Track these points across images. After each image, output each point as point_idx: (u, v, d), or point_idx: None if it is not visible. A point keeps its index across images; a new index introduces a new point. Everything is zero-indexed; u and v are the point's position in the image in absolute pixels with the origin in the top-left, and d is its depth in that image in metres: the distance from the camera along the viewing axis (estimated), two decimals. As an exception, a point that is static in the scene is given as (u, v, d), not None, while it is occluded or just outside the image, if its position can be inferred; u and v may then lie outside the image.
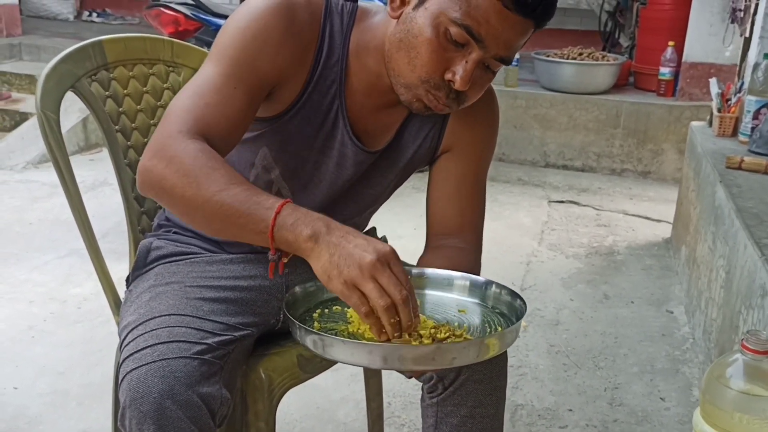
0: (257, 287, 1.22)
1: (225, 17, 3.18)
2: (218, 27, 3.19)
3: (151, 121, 1.44)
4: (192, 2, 3.23)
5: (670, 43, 4.16)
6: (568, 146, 4.32)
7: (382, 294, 0.86)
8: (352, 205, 1.25)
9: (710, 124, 2.96)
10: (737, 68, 4.09)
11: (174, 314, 1.09)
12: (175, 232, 1.27)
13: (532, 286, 2.77)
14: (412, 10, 1.01)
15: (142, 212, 1.42)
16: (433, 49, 0.98)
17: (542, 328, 2.42)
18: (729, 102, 2.83)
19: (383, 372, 1.63)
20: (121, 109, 1.39)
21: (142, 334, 1.06)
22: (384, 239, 1.47)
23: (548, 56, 4.36)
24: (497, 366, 1.16)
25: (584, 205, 3.72)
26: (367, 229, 1.42)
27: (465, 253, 1.20)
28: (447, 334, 0.95)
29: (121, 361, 1.04)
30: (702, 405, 0.92)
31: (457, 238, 1.22)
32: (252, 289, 1.21)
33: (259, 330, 1.21)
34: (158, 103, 1.46)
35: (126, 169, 1.39)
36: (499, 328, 1.01)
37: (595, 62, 4.26)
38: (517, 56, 4.33)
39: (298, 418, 1.89)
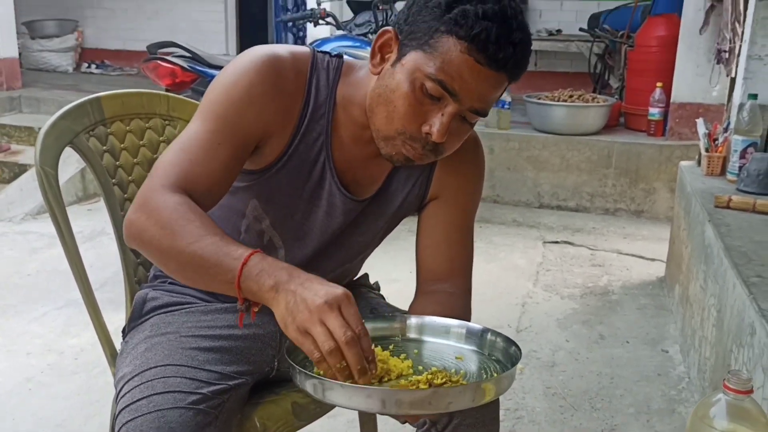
0: (252, 336, 1.24)
1: (221, 68, 3.25)
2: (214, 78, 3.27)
3: (148, 174, 1.48)
4: (188, 54, 3.30)
5: (658, 84, 4.24)
6: (562, 187, 4.37)
7: (328, 337, 0.87)
8: (343, 252, 1.28)
9: (699, 163, 3.01)
10: (725, 108, 4.17)
11: (169, 364, 1.11)
12: (170, 283, 1.29)
13: (527, 327, 2.78)
14: (391, 66, 1.05)
15: (138, 263, 1.45)
16: (410, 103, 1.02)
17: (538, 369, 2.43)
18: (716, 142, 2.88)
19: (378, 417, 1.63)
20: (117, 162, 1.43)
21: (137, 386, 1.07)
22: (377, 285, 1.50)
23: (540, 99, 4.44)
24: (490, 411, 1.17)
25: (579, 245, 3.75)
26: (359, 275, 1.45)
27: (455, 298, 1.23)
28: (443, 380, 0.97)
29: (117, 413, 1.05)
30: (688, 446, 0.93)
31: (447, 284, 1.24)
32: (246, 338, 1.23)
33: (253, 378, 1.22)
34: (154, 155, 1.49)
35: (123, 221, 1.42)
36: (495, 375, 1.02)
37: (585, 104, 4.33)
38: (509, 99, 4.43)
39: (296, 466, 1.89)
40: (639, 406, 2.18)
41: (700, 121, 2.97)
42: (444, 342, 1.12)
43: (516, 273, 3.36)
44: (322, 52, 1.17)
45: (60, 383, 2.29)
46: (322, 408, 1.33)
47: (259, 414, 1.22)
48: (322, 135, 1.14)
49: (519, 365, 0.98)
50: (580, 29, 5.63)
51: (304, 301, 0.89)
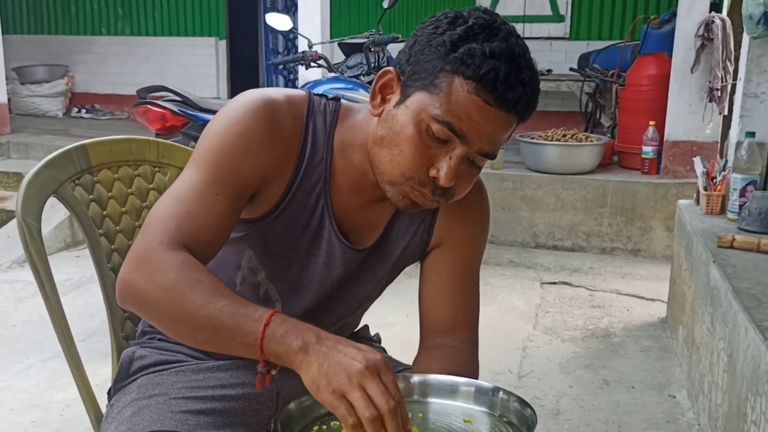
0: (246, 396, 1.16)
1: (212, 112, 3.21)
2: (205, 122, 3.22)
3: (136, 223, 1.41)
4: (179, 98, 3.26)
5: (651, 122, 4.23)
6: (557, 226, 4.32)
7: (369, 404, 0.83)
8: (343, 304, 1.21)
9: (697, 202, 2.98)
10: (718, 145, 4.17)
11: (158, 431, 1.04)
12: (159, 339, 1.22)
13: (529, 373, 2.70)
14: (393, 107, 1.00)
15: (125, 317, 1.37)
16: (416, 146, 0.97)
17: (543, 418, 2.34)
18: (714, 180, 2.85)
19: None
20: (105, 212, 1.37)
21: (124, 455, 1.00)
22: (377, 337, 1.43)
23: (533, 138, 4.43)
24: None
25: (577, 286, 3.69)
26: (359, 327, 1.38)
27: (461, 352, 1.16)
28: None
29: (101, 486, 0.97)
30: None
31: (452, 337, 1.18)
32: (241, 398, 1.15)
33: (248, 442, 1.15)
34: (143, 204, 1.43)
35: (109, 274, 1.35)
36: None
37: (579, 143, 4.31)
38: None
39: None
40: None
41: (697, 160, 2.95)
42: (451, 403, 1.04)
43: (515, 315, 3.29)
44: (318, 95, 1.12)
45: (44, 441, 2.18)
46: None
47: (256, 480, 1.14)
48: (320, 181, 1.09)
49: None
50: (570, 69, 5.66)
51: (340, 364, 0.84)
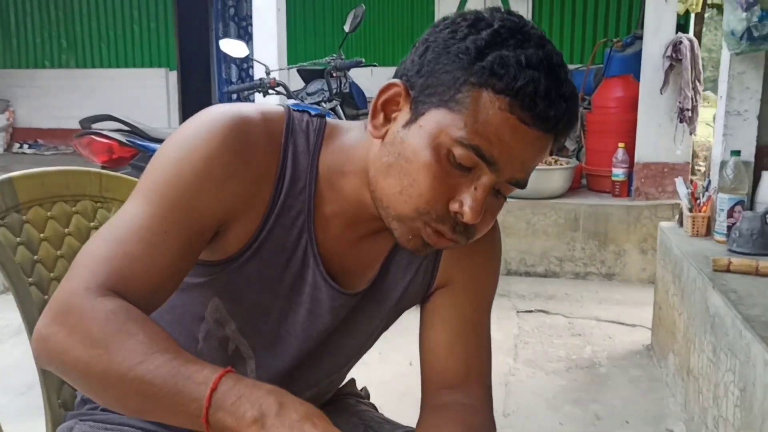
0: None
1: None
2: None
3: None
4: (126, 128, 3.03)
5: (621, 144, 4.15)
6: (529, 252, 4.18)
7: None
8: (330, 360, 1.01)
9: (680, 224, 2.86)
10: (689, 166, 4.10)
11: None
12: (103, 410, 1.00)
13: (515, 411, 2.51)
14: (402, 128, 0.81)
15: (62, 381, 1.14)
16: (434, 175, 0.79)
17: (536, 463, 2.15)
18: (698, 201, 2.73)
19: None
20: (36, 257, 1.14)
21: None
22: (365, 392, 1.22)
23: (500, 163, 4.29)
24: None
25: (554, 314, 3.53)
26: (345, 381, 1.17)
27: (476, 412, 0.97)
28: None
29: None
30: None
31: (462, 393, 0.98)
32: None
33: None
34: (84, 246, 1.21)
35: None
36: None
37: (548, 167, 4.20)
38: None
39: None
40: None
41: (679, 180, 2.83)
42: None
43: (494, 347, 3.07)
44: (299, 110, 0.92)
45: None
46: None
47: None
48: (302, 214, 0.89)
49: None
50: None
51: None
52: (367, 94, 4.45)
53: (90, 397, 0.78)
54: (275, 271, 0.90)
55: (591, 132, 4.54)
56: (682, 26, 4.06)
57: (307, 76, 4.19)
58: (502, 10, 0.82)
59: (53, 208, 1.18)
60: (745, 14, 2.32)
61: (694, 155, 3.38)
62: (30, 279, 1.12)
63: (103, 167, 2.85)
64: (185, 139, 0.83)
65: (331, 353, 0.99)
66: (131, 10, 7.91)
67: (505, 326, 3.36)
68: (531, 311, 3.58)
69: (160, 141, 3.00)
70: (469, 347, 1.00)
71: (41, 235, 1.15)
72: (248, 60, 4.00)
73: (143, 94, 7.62)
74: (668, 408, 2.50)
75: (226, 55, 7.85)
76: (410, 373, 2.73)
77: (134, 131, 3.00)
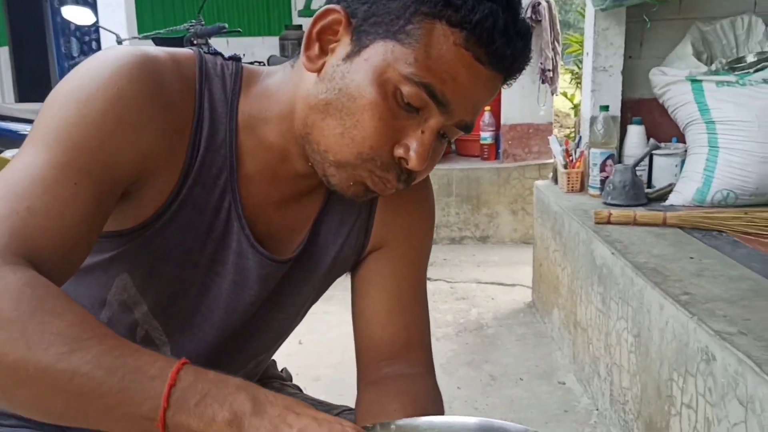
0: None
1: (13, 119, 2.66)
2: (4, 132, 2.66)
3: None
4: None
5: (486, 108, 4.21)
6: (405, 220, 4.18)
7: None
8: (258, 337, 0.89)
9: (555, 181, 2.93)
10: (552, 126, 4.23)
11: None
12: (10, 415, 0.83)
13: (410, 379, 2.48)
14: (343, 61, 0.72)
15: None
16: (380, 116, 0.70)
17: (440, 428, 2.13)
18: (571, 158, 2.81)
19: None
20: None
21: None
22: (287, 373, 1.12)
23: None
24: None
25: (436, 280, 3.55)
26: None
27: (418, 380, 0.89)
28: None
29: None
30: None
31: (404, 363, 0.90)
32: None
33: None
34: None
35: None
36: None
37: (418, 133, 4.20)
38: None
39: None
40: None
41: (552, 139, 2.90)
42: None
43: (380, 319, 3.06)
44: (211, 53, 0.80)
45: None
46: None
47: None
48: (224, 170, 0.77)
49: None
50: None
51: None
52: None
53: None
54: (195, 238, 0.77)
55: (457, 97, 4.58)
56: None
57: (164, 44, 3.91)
58: None
59: None
60: (611, -28, 2.38)
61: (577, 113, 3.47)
62: None
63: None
64: (86, 79, 0.69)
65: (259, 330, 0.88)
66: (-51, -21, 7.10)
67: (388, 295, 3.33)
68: (412, 278, 3.57)
69: (7, 119, 2.67)
70: (409, 312, 0.92)
71: None
72: (92, 31, 3.66)
73: (-30, 73, 6.90)
74: (557, 361, 2.57)
75: (64, 28, 7.25)
76: (300, 353, 2.64)
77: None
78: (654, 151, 2.58)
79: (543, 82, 3.94)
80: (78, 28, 6.54)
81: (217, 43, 4.34)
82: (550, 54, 3.84)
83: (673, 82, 2.52)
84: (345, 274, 0.95)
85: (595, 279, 2.15)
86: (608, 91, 2.71)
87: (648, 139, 2.59)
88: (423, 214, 0.93)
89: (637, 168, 2.50)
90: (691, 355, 1.46)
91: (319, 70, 0.73)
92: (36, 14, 7.45)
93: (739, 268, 1.75)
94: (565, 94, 6.22)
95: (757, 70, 2.44)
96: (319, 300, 0.96)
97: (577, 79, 6.23)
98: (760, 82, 2.39)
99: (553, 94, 4.04)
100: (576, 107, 6.08)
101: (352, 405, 1.00)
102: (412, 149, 0.71)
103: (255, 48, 5.61)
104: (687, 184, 2.44)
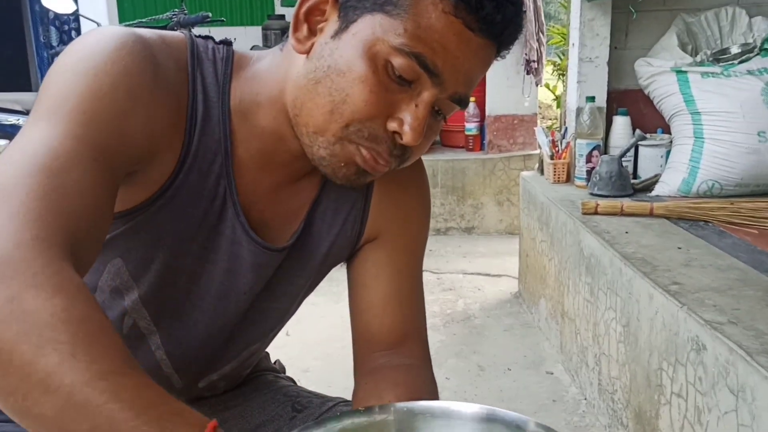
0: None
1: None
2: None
3: None
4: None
5: (472, 98, 4.20)
6: (390, 212, 4.18)
7: None
8: (252, 328, 0.88)
9: (541, 172, 2.94)
10: (536, 117, 4.24)
11: None
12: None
13: (398, 370, 2.49)
14: (331, 39, 0.71)
15: None
16: (371, 89, 0.69)
17: (429, 419, 2.13)
18: (557, 149, 2.82)
19: None
20: None
21: None
22: (280, 365, 1.11)
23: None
24: None
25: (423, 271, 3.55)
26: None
27: (415, 371, 0.89)
28: None
29: None
30: None
31: (400, 354, 0.89)
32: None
33: None
34: None
35: None
36: None
37: (403, 124, 4.19)
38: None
39: None
40: None
41: (538, 130, 2.90)
42: None
43: (367, 310, 3.06)
44: (201, 36, 0.78)
45: None
46: None
47: None
48: (219, 155, 0.75)
49: None
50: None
51: None
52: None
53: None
54: (190, 222, 0.76)
55: (442, 88, 4.58)
56: (524, -19, 4.15)
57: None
58: None
59: None
60: (598, -37, 2.38)
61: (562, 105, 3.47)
62: None
63: None
64: (89, 54, 0.66)
65: (253, 319, 0.87)
66: None
67: (375, 286, 3.33)
68: (398, 269, 3.57)
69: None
70: (405, 303, 0.91)
71: None
72: (72, 20, 3.61)
73: (-55, 63, 6.76)
74: (545, 351, 2.58)
75: (43, 17, 7.12)
76: (288, 344, 2.62)
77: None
78: (640, 142, 2.59)
79: (528, 73, 3.94)
80: (57, 16, 6.43)
81: (200, 33, 4.29)
82: (535, 45, 3.85)
83: (658, 73, 2.54)
84: (337, 266, 0.94)
85: (582, 269, 2.16)
86: (594, 82, 2.71)
87: (634, 130, 2.60)
88: (418, 204, 0.92)
89: (623, 159, 2.51)
90: (681, 345, 1.47)
91: (308, 51, 0.72)
92: (13, 2, 7.32)
93: (726, 258, 1.77)
94: (547, 86, 6.23)
95: (741, 62, 2.46)
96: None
97: (560, 70, 6.23)
98: (744, 74, 2.42)
99: (537, 86, 4.05)
100: (558, 98, 6.09)
101: (345, 396, 1.00)
102: (406, 123, 0.70)
103: (237, 38, 5.56)
104: (673, 175, 2.45)
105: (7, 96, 3.61)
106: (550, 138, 2.82)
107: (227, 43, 0.79)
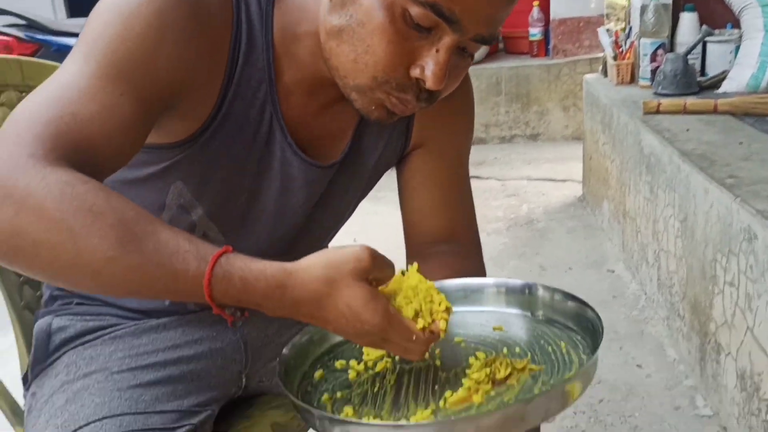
0: (207, 353, 0.93)
1: (68, 34, 2.75)
2: (61, 47, 2.76)
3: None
4: (24, 23, 2.76)
5: (535, 2, 4.11)
6: (455, 122, 4.20)
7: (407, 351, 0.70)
8: (308, 238, 0.96)
9: (605, 74, 2.90)
10: (604, 18, 4.11)
11: (107, 417, 0.80)
12: (78, 303, 0.94)
13: (462, 272, 2.59)
14: None
15: (22, 282, 1.08)
16: (389, 39, 0.71)
17: (491, 315, 2.24)
18: (621, 49, 2.76)
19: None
20: (-31, 152, 1.04)
21: (67, 457, 0.75)
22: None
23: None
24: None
25: (487, 178, 3.60)
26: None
27: (464, 258, 0.96)
28: (508, 370, 0.71)
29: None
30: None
31: (451, 244, 0.97)
32: (201, 357, 0.92)
33: (218, 406, 0.92)
34: (17, 137, 1.11)
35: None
36: (562, 343, 0.78)
37: (466, 32, 4.15)
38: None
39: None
40: (607, 335, 1.99)
41: (601, 30, 2.85)
42: (473, 309, 0.86)
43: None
44: None
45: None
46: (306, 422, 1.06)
47: (235, 449, 0.93)
48: (263, 83, 0.80)
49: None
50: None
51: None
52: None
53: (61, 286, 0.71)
54: (241, 147, 0.82)
55: (506, -7, 4.47)
56: None
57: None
58: None
59: (-22, 100, 1.08)
60: None
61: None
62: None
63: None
64: None
65: (309, 229, 0.95)
66: None
67: (440, 195, 3.41)
68: (463, 178, 3.63)
69: (62, 33, 2.76)
70: (452, 206, 0.98)
71: (-30, 128, 1.05)
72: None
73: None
74: (607, 251, 2.63)
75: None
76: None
77: (32, 25, 2.74)
78: (707, 38, 2.51)
79: (594, -28, 3.81)
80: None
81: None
82: (602, -59, 3.69)
83: (728, -37, 2.43)
84: (390, 173, 1.01)
85: (643, 169, 2.17)
86: (660, -23, 2.62)
87: (701, 26, 2.53)
88: (462, 112, 0.97)
89: (689, 56, 2.45)
90: (735, 235, 1.50)
91: None
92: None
93: (788, 151, 1.75)
94: (619, -15, 5.97)
95: (818, -54, 2.33)
96: (368, 199, 1.03)
97: (633, -33, 5.95)
98: (821, -41, 2.29)
99: (604, -16, 3.91)
100: (631, -2, 5.84)
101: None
102: (428, 69, 0.72)
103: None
104: (741, 71, 2.39)
105: (79, 21, 3.75)
106: (614, 38, 2.76)
107: None
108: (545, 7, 4.13)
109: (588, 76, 3.03)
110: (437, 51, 0.72)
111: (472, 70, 4.04)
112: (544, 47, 4.22)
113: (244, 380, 0.97)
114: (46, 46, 2.70)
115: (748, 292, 1.45)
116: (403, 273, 0.72)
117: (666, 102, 2.24)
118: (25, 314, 1.06)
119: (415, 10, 0.69)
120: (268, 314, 0.67)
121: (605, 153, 2.67)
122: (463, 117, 0.99)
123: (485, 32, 0.73)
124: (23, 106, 0.67)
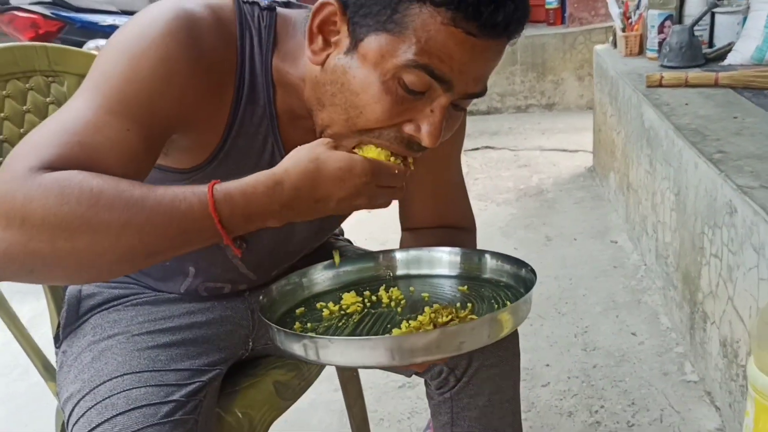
0: (218, 319, 1.04)
1: (92, 11, 2.85)
2: (85, 24, 2.87)
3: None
4: (49, 0, 2.87)
5: (552, -29, 4.13)
6: (470, 91, 4.25)
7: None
8: (312, 237, 1.08)
9: (614, 45, 2.93)
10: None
11: (127, 373, 0.91)
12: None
13: (471, 241, 2.68)
14: (343, 55, 0.76)
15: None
16: (384, 107, 0.75)
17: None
18: (630, 21, 2.80)
19: (362, 375, 1.48)
20: (1, 136, 1.16)
21: (93, 406, 0.87)
22: (340, 230, 1.31)
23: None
24: (510, 345, 1.04)
25: (500, 148, 3.67)
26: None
27: (457, 233, 1.07)
28: (449, 317, 0.83)
29: (71, 443, 0.85)
30: (756, 355, 0.83)
31: (445, 229, 1.08)
32: (212, 323, 1.03)
33: (227, 366, 1.04)
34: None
35: None
36: (508, 303, 0.88)
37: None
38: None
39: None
40: (605, 304, 2.13)
41: (611, 1, 2.87)
42: (439, 273, 0.99)
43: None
44: (248, 1, 0.86)
45: (-23, 397, 2.01)
46: (306, 382, 1.18)
47: (240, 403, 1.05)
48: (265, 119, 0.87)
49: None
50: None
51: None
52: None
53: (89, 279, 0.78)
54: (246, 174, 0.82)
55: (523, -39, 4.47)
56: None
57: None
58: None
59: (7, 87, 1.18)
60: None
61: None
62: (0, 159, 1.15)
63: (30, 45, 2.74)
64: (138, 36, 0.76)
65: (317, 239, 1.08)
66: None
67: (453, 164, 3.49)
68: (477, 149, 3.70)
69: (87, 11, 2.86)
70: (442, 201, 1.08)
71: (1, 114, 1.16)
72: None
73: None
74: (612, 222, 2.70)
75: None
76: (369, 219, 2.86)
77: (56, 2, 2.85)
78: (715, 9, 2.54)
79: (610, -60, 3.80)
80: None
81: None
82: None
83: (736, -65, 2.45)
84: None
85: (644, 142, 2.23)
86: (670, -51, 2.64)
87: (710, -3, 2.55)
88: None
89: (695, 28, 2.48)
90: (719, 209, 1.57)
91: (322, 63, 0.78)
92: None
93: (780, 126, 1.81)
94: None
95: None
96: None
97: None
98: (829, -69, 2.30)
99: (621, -47, 3.90)
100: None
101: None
102: (423, 129, 0.76)
103: None
104: (746, 42, 2.42)
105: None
106: (623, 9, 2.80)
107: (272, 8, 0.87)
108: (562, -25, 4.14)
109: (598, 47, 3.07)
110: (432, 111, 0.76)
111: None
112: (560, 15, 4.24)
113: (251, 343, 1.08)
114: (71, 23, 2.81)
115: (729, 264, 1.53)
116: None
117: (668, 75, 2.29)
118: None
119: (408, 77, 0.73)
120: (275, 224, 0.74)
121: (612, 125, 2.73)
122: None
123: (476, 90, 0.77)
124: (28, 137, 0.70)
